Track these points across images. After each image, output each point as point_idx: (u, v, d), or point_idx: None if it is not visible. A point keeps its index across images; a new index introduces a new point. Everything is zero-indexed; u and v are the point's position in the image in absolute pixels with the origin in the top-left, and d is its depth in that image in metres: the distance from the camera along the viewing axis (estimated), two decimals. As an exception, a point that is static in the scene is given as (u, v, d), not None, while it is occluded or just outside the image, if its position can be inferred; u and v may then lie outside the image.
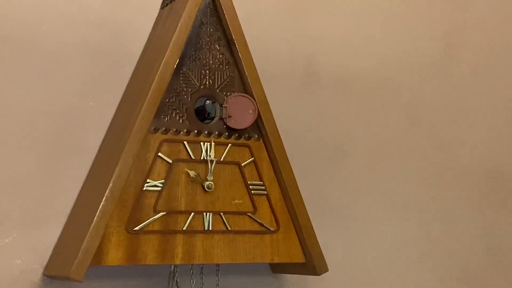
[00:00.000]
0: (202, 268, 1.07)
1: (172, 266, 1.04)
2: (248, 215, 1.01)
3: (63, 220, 1.01)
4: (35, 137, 1.02)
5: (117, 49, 1.09)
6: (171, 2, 1.07)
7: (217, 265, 1.07)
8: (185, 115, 0.99)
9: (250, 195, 1.01)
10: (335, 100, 1.28)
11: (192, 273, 1.06)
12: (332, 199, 1.25)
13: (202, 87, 1.00)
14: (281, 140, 1.03)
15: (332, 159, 1.27)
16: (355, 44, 1.32)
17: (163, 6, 1.10)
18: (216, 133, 1.00)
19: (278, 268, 1.14)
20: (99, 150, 1.05)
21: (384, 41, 1.35)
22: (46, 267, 0.99)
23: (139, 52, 1.10)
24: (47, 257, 1.00)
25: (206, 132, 1.00)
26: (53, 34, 1.05)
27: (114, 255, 0.91)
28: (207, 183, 0.97)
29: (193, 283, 1.06)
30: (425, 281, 1.32)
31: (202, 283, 1.07)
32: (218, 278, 1.08)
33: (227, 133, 1.01)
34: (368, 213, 1.29)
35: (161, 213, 0.95)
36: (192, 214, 0.97)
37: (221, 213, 0.99)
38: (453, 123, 1.41)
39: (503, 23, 1.49)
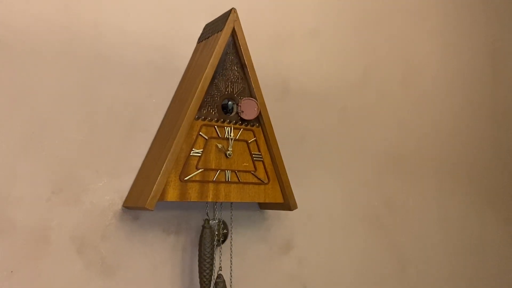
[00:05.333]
0: (221, 205, 1.08)
1: (206, 203, 1.06)
2: (251, 173, 1.02)
3: (135, 172, 1.01)
4: (119, 122, 1.01)
5: (170, 66, 1.08)
6: (206, 39, 1.07)
7: (231, 203, 1.08)
8: (216, 109, 0.99)
9: (253, 161, 1.02)
10: (300, 104, 1.29)
11: (215, 207, 1.07)
12: (297, 166, 1.26)
13: (226, 92, 1.01)
14: (272, 128, 1.04)
15: (297, 142, 1.27)
16: (311, 72, 1.32)
17: (199, 41, 1.10)
18: (234, 121, 1.01)
19: (263, 206, 1.15)
20: (159, 130, 1.04)
21: (328, 70, 1.36)
22: (125, 201, 0.99)
23: (183, 69, 1.09)
24: (125, 195, 0.99)
25: (228, 121, 1.00)
26: (130, 55, 1.04)
27: (172, 194, 0.92)
28: (228, 152, 0.98)
29: (215, 214, 1.06)
30: (346, 219, 1.35)
31: (222, 214, 1.08)
32: (231, 211, 1.09)
33: (240, 122, 1.01)
34: (319, 175, 1.30)
35: (200, 170, 0.95)
36: (219, 171, 0.97)
37: (236, 171, 0.99)
38: (367, 121, 1.42)
39: (400, 59, 1.51)
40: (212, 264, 0.98)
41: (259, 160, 1.03)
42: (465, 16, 1.72)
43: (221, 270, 1.03)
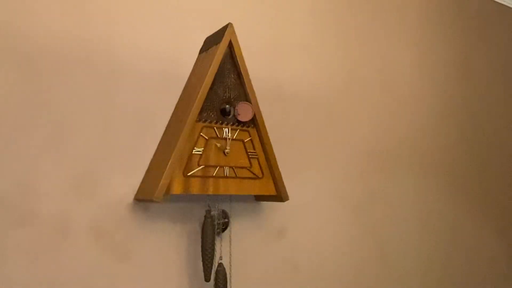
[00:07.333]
0: (221, 197, 1.08)
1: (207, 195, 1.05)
2: (247, 169, 1.02)
3: (144, 169, 1.01)
4: (130, 124, 1.02)
5: (175, 75, 1.08)
6: (206, 50, 1.07)
7: (230, 196, 1.09)
8: (215, 112, 0.99)
9: (249, 158, 1.02)
10: (291, 108, 1.29)
11: (218, 200, 1.07)
12: (289, 162, 1.25)
13: (224, 97, 1.01)
14: (266, 128, 1.04)
15: (288, 141, 1.27)
16: (300, 79, 1.32)
17: (200, 52, 1.10)
18: (231, 123, 1.01)
19: (258, 198, 1.15)
20: (165, 131, 1.05)
21: (315, 77, 1.36)
22: (136, 195, 1.00)
23: (187, 77, 1.09)
24: (136, 189, 1.00)
25: (226, 123, 1.00)
26: (140, 66, 1.05)
27: (177, 188, 0.92)
28: (226, 150, 0.98)
29: (217, 205, 1.06)
30: (332, 209, 1.34)
31: (221, 205, 1.08)
32: (230, 202, 1.10)
33: (237, 123, 1.02)
34: (308, 170, 1.30)
35: (201, 166, 0.96)
36: (218, 167, 0.98)
37: (233, 167, 1.00)
38: (350, 123, 1.42)
39: (379, 68, 1.51)
40: (213, 250, 0.98)
41: (254, 157, 1.03)
42: (439, 29, 1.72)
43: (221, 259, 1.04)
